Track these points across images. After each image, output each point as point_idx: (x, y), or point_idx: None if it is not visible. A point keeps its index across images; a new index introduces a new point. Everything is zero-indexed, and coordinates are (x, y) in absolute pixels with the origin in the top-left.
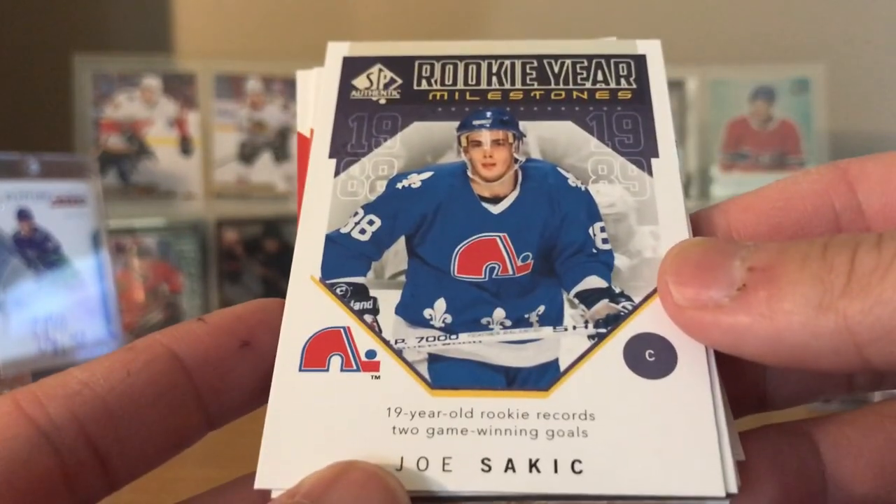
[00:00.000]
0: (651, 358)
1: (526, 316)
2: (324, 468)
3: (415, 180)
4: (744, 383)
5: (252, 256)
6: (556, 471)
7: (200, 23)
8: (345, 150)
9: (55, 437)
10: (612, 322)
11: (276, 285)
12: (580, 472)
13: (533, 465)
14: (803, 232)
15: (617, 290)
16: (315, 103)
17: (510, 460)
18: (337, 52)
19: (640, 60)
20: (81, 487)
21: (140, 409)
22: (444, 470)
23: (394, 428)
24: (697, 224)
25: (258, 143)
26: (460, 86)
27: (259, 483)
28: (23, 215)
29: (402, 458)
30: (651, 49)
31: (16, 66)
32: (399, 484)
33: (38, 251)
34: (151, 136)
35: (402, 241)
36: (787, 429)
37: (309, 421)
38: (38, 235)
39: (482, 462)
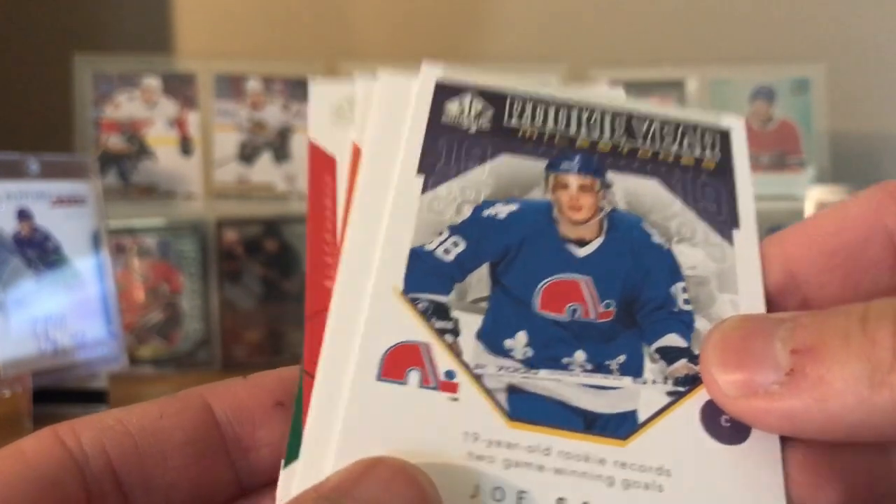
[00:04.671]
0: (726, 424)
1: (607, 363)
2: (351, 464)
3: (501, 211)
4: None
5: (252, 256)
6: None
7: (200, 23)
8: (432, 170)
9: (84, 464)
10: (690, 382)
11: (276, 285)
12: None
13: None
14: (859, 254)
15: (696, 352)
16: (393, 119)
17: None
18: (430, 73)
19: (725, 135)
20: None
21: (167, 451)
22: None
23: (470, 453)
24: None
25: (258, 143)
26: (550, 127)
27: None
28: (23, 215)
29: (477, 485)
30: (735, 124)
31: (16, 66)
32: (429, 480)
33: (38, 251)
34: (151, 136)
35: (485, 267)
36: None
37: (385, 431)
38: (38, 235)
39: (557, 501)
